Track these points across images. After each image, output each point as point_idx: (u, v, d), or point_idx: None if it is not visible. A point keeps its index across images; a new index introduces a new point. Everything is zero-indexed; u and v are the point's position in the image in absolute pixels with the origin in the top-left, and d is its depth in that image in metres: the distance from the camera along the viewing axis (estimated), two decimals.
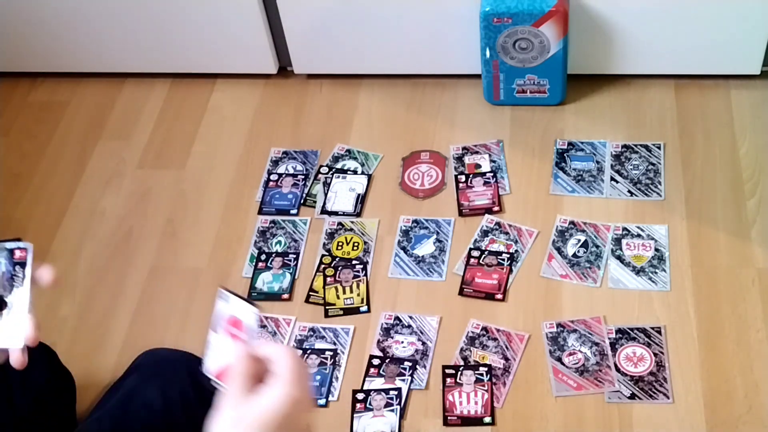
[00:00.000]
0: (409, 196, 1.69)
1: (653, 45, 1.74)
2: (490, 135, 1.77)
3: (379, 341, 1.48)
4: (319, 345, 1.49)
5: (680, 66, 1.79)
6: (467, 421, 1.37)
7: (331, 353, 1.47)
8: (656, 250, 1.54)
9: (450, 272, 1.56)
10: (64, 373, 1.28)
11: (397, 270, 1.57)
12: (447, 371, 1.42)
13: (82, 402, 1.35)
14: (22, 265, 0.84)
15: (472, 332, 1.47)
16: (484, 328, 1.47)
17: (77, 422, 1.30)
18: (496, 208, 1.64)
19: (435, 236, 1.61)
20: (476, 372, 1.42)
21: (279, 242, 1.64)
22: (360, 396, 1.41)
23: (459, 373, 1.42)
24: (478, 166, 1.71)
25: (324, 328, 1.51)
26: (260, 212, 1.69)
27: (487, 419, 1.36)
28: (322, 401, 1.42)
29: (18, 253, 0.84)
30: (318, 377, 1.44)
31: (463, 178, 1.69)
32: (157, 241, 1.68)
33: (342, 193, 1.70)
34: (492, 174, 1.69)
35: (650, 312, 1.47)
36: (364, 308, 1.53)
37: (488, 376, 1.41)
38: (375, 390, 1.41)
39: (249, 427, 0.73)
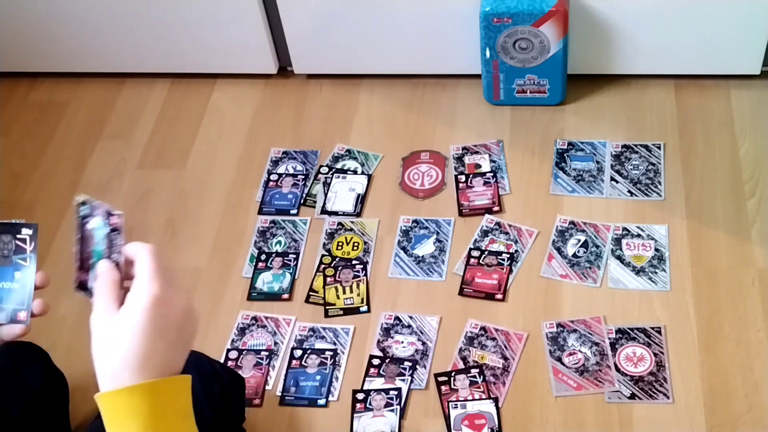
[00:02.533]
0: (409, 196, 1.69)
1: (653, 45, 1.74)
2: (490, 135, 1.77)
3: (379, 341, 1.48)
4: (319, 345, 1.49)
5: (680, 66, 1.79)
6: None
7: (331, 353, 1.47)
8: (656, 250, 1.54)
9: (450, 272, 1.56)
10: (57, 375, 1.27)
11: (397, 270, 1.57)
12: (440, 378, 1.42)
13: (82, 402, 1.34)
14: (118, 231, 0.85)
15: (471, 332, 1.47)
16: (483, 328, 1.47)
17: (70, 424, 1.30)
18: (496, 208, 1.64)
19: (435, 236, 1.61)
20: (469, 375, 1.41)
21: (279, 242, 1.64)
22: (360, 396, 1.41)
23: (452, 378, 1.41)
24: (478, 166, 1.71)
25: (324, 328, 1.51)
26: (260, 212, 1.69)
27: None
28: (322, 401, 1.42)
29: (114, 219, 0.85)
30: (318, 377, 1.44)
31: (463, 178, 1.69)
32: (157, 241, 1.68)
33: (342, 193, 1.70)
34: (492, 174, 1.69)
35: (650, 312, 1.47)
36: (364, 308, 1.53)
37: (482, 377, 1.41)
38: (375, 390, 1.41)
39: (124, 352, 0.72)
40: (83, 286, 0.82)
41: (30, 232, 0.85)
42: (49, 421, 1.21)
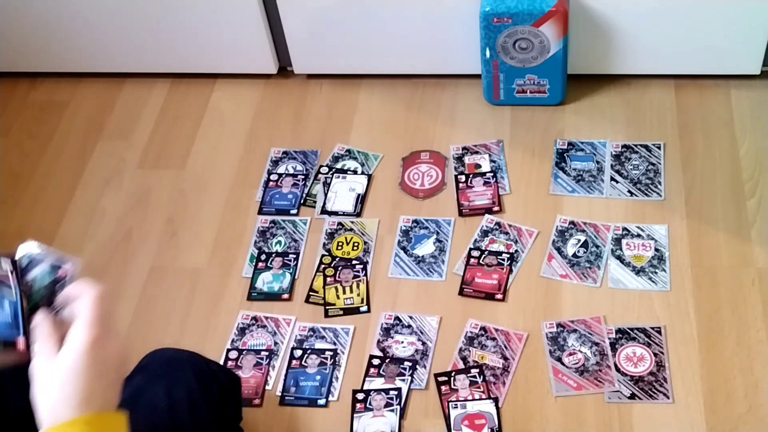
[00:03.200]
0: (409, 196, 1.69)
1: (653, 45, 1.74)
2: (490, 135, 1.77)
3: (379, 341, 1.48)
4: (319, 345, 1.49)
5: (680, 66, 1.79)
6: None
7: (331, 353, 1.47)
8: (656, 250, 1.54)
9: (450, 272, 1.56)
10: None
11: (397, 270, 1.57)
12: (440, 378, 1.42)
13: None
14: (64, 281, 0.83)
15: (471, 332, 1.47)
16: (483, 328, 1.47)
17: None
18: (496, 208, 1.64)
19: (435, 236, 1.61)
20: (469, 375, 1.41)
21: (279, 242, 1.64)
22: (360, 396, 1.41)
23: (452, 378, 1.42)
24: (478, 166, 1.72)
25: (324, 328, 1.51)
26: (260, 212, 1.69)
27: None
28: (322, 401, 1.42)
29: (66, 268, 0.84)
30: (318, 377, 1.44)
31: (463, 178, 1.69)
32: (157, 241, 1.68)
33: (342, 193, 1.70)
34: (492, 174, 1.69)
35: (650, 312, 1.47)
36: (364, 308, 1.53)
37: (482, 377, 1.41)
38: (375, 390, 1.41)
39: (64, 390, 0.75)
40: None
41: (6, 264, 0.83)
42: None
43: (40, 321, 0.80)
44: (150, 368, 1.16)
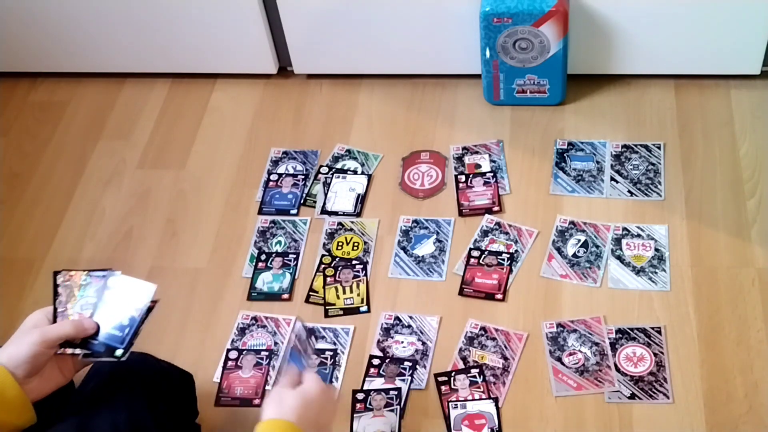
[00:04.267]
0: (409, 196, 1.69)
1: (653, 45, 1.74)
2: (490, 135, 1.77)
3: (379, 341, 1.48)
4: (320, 345, 1.49)
5: (680, 66, 1.79)
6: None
7: (331, 353, 1.47)
8: (656, 250, 1.54)
9: (450, 272, 1.56)
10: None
11: (397, 270, 1.57)
12: (440, 378, 1.42)
13: None
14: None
15: (471, 332, 1.47)
16: (483, 328, 1.47)
17: None
18: (496, 208, 1.64)
19: (435, 236, 1.61)
20: (469, 375, 1.41)
21: (279, 242, 1.64)
22: (360, 396, 1.41)
23: (452, 378, 1.42)
24: (478, 166, 1.72)
25: (324, 328, 1.51)
26: (260, 212, 1.69)
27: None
28: None
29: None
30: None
31: (463, 178, 1.69)
32: (157, 241, 1.68)
33: (342, 193, 1.70)
34: (492, 174, 1.69)
35: (650, 312, 1.47)
36: (364, 308, 1.53)
37: (482, 377, 1.41)
38: (375, 390, 1.41)
39: (289, 405, 1.05)
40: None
41: (151, 289, 1.12)
42: (53, 419, 1.21)
43: (292, 369, 1.13)
44: (97, 379, 1.16)
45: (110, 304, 1.08)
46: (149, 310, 1.10)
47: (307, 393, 1.08)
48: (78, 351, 1.05)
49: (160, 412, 1.15)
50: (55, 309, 1.07)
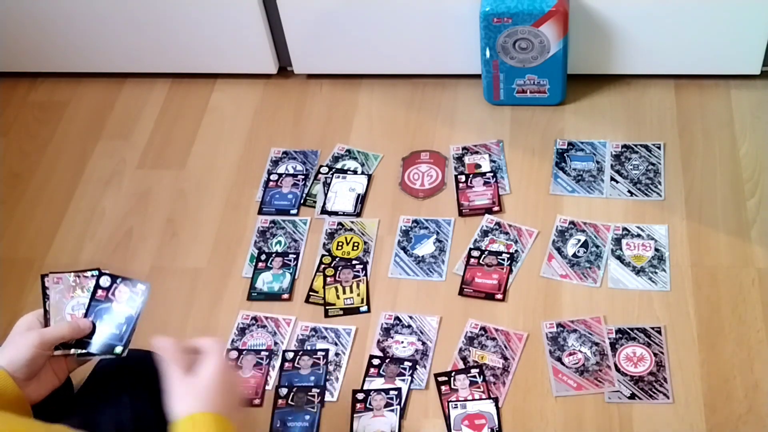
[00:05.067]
0: (409, 196, 1.69)
1: (653, 45, 1.74)
2: (490, 135, 1.77)
3: (379, 341, 1.48)
4: (321, 345, 1.49)
5: (680, 66, 1.79)
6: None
7: (323, 354, 1.47)
8: (656, 250, 1.54)
9: (450, 272, 1.56)
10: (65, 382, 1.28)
11: (397, 270, 1.57)
12: (440, 378, 1.42)
13: None
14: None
15: (471, 332, 1.47)
16: (483, 328, 1.47)
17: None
18: (496, 208, 1.64)
19: (435, 236, 1.61)
20: (469, 375, 1.41)
21: (279, 242, 1.64)
22: (360, 396, 1.41)
23: (452, 378, 1.41)
24: (478, 166, 1.71)
25: (326, 329, 1.51)
26: (260, 212, 1.69)
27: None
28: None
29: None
30: (312, 378, 1.44)
31: (463, 178, 1.69)
32: (157, 241, 1.68)
33: (342, 193, 1.70)
34: (492, 174, 1.69)
35: (650, 312, 1.47)
36: (364, 308, 1.53)
37: (482, 377, 1.41)
38: (375, 390, 1.41)
39: (202, 394, 0.95)
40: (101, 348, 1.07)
41: (144, 287, 1.08)
42: (52, 421, 1.21)
43: (168, 345, 1.00)
44: (100, 378, 1.16)
45: (105, 304, 1.08)
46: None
47: (213, 374, 0.98)
48: (75, 351, 1.06)
49: (164, 410, 1.15)
50: (46, 312, 1.07)
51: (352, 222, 1.65)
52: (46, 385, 1.04)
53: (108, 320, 1.07)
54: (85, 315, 1.07)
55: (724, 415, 1.34)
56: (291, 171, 1.76)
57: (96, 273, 1.09)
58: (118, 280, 1.09)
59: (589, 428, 1.35)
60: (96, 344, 1.06)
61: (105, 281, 1.09)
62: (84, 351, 1.06)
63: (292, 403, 1.41)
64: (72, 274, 1.09)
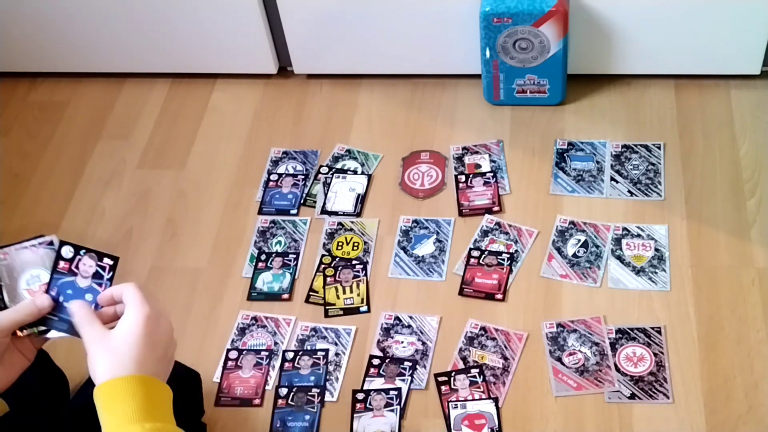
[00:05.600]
0: (409, 196, 1.69)
1: (653, 45, 1.74)
2: (490, 135, 1.77)
3: (379, 341, 1.48)
4: (321, 345, 1.49)
5: (680, 66, 1.79)
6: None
7: (323, 354, 1.47)
8: (656, 250, 1.54)
9: (450, 272, 1.56)
10: (57, 374, 1.27)
11: (397, 270, 1.57)
12: (440, 378, 1.42)
13: None
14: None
15: (471, 332, 1.47)
16: (483, 328, 1.47)
17: (70, 423, 1.30)
18: (496, 208, 1.64)
19: (435, 236, 1.61)
20: (469, 375, 1.41)
21: (279, 242, 1.64)
22: (360, 396, 1.41)
23: (452, 378, 1.41)
24: (478, 166, 1.72)
25: (326, 329, 1.51)
26: (260, 212, 1.69)
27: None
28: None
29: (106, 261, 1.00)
30: (312, 378, 1.44)
31: (463, 178, 1.69)
32: (157, 241, 1.68)
33: (342, 193, 1.70)
34: (492, 174, 1.69)
35: (650, 312, 1.47)
36: (364, 308, 1.53)
37: (482, 377, 1.41)
38: (375, 390, 1.41)
39: (121, 354, 0.87)
40: (56, 325, 0.96)
41: (111, 262, 0.98)
42: (47, 421, 1.21)
43: (81, 306, 0.92)
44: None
45: (68, 277, 0.98)
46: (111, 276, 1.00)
47: (132, 327, 0.89)
48: (36, 329, 0.97)
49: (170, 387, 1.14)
50: (0, 292, 0.99)
51: (352, 222, 1.65)
52: (15, 368, 0.99)
53: (72, 296, 0.97)
54: (47, 290, 0.97)
55: (724, 415, 1.34)
56: (291, 171, 1.76)
57: (49, 240, 0.99)
58: (82, 252, 0.98)
59: (589, 428, 1.35)
60: (58, 321, 0.96)
61: (67, 252, 0.98)
62: (44, 328, 0.97)
63: (292, 403, 1.41)
64: (18, 245, 0.99)
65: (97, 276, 0.98)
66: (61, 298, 0.97)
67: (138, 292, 0.91)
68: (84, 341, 0.90)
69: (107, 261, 0.98)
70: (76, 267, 0.98)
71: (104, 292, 0.95)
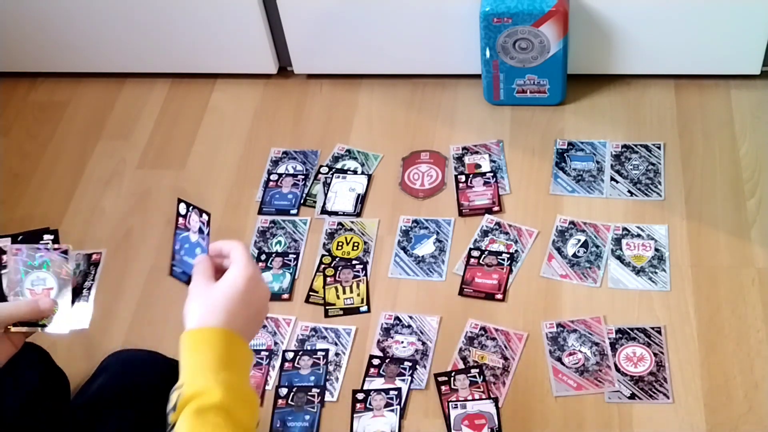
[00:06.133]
0: (409, 196, 1.69)
1: (653, 45, 1.74)
2: (490, 135, 1.77)
3: (379, 341, 1.48)
4: (321, 345, 1.49)
5: (680, 66, 1.79)
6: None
7: (323, 354, 1.47)
8: (656, 250, 1.54)
9: (450, 272, 1.56)
10: (57, 374, 1.28)
11: (397, 270, 1.57)
12: (440, 378, 1.42)
13: None
14: (96, 265, 1.08)
15: (471, 332, 1.47)
16: (483, 328, 1.47)
17: (71, 424, 1.30)
18: (496, 208, 1.64)
19: (435, 236, 1.61)
20: (469, 375, 1.41)
21: (279, 242, 1.64)
22: (360, 396, 1.41)
23: (452, 378, 1.41)
24: (478, 166, 1.72)
25: (326, 329, 1.51)
26: (260, 212, 1.69)
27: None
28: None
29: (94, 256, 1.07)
30: (312, 378, 1.44)
31: (463, 178, 1.69)
32: (157, 241, 1.68)
33: (342, 193, 1.70)
34: (492, 174, 1.69)
35: (650, 312, 1.47)
36: (364, 308, 1.53)
37: (482, 377, 1.41)
38: (375, 390, 1.41)
39: (215, 305, 0.90)
40: (177, 274, 1.03)
41: (207, 218, 1.01)
42: (48, 421, 1.21)
43: (203, 259, 0.97)
44: (111, 369, 1.16)
45: (184, 232, 1.03)
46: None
47: (233, 284, 0.92)
48: (33, 329, 1.01)
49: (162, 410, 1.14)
50: None
51: (352, 222, 1.65)
52: (2, 355, 1.00)
53: (189, 249, 1.01)
54: (173, 243, 1.02)
55: (724, 415, 1.34)
56: (291, 171, 1.76)
57: (65, 248, 1.03)
58: (190, 208, 1.02)
59: (589, 428, 1.35)
60: (183, 274, 1.01)
61: (182, 208, 1.03)
62: (43, 325, 1.01)
63: (292, 403, 1.41)
64: (32, 245, 1.03)
65: (200, 231, 1.02)
66: (182, 252, 1.02)
67: (246, 251, 0.94)
68: (189, 288, 0.94)
69: (204, 217, 1.01)
70: (188, 222, 1.03)
71: (213, 245, 0.98)
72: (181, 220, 1.03)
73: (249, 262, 0.94)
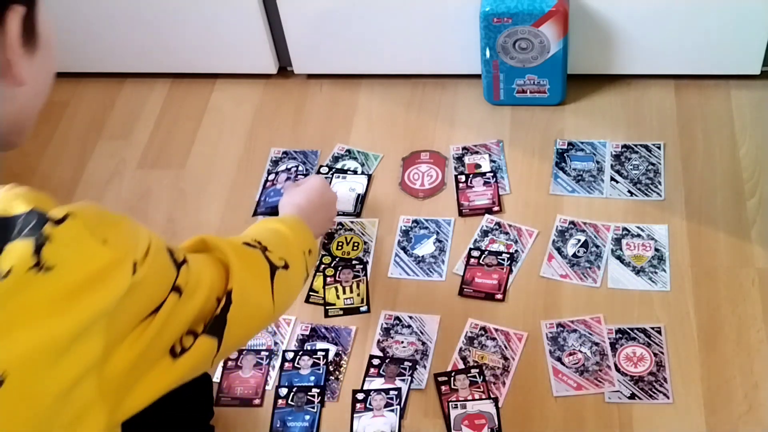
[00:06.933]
0: (409, 196, 1.69)
1: (653, 45, 1.74)
2: (490, 135, 1.77)
3: (379, 341, 1.48)
4: (321, 345, 1.49)
5: (680, 66, 1.79)
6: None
7: (323, 354, 1.47)
8: (656, 250, 1.54)
9: (450, 272, 1.56)
10: None
11: (397, 270, 1.57)
12: (440, 378, 1.42)
13: None
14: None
15: (471, 332, 1.47)
16: (483, 328, 1.47)
17: None
18: (496, 208, 1.64)
19: (435, 236, 1.61)
20: (469, 375, 1.41)
21: None
22: (360, 396, 1.41)
23: (452, 378, 1.41)
24: (478, 166, 1.72)
25: (326, 329, 1.51)
26: (255, 214, 1.69)
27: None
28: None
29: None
30: (312, 378, 1.44)
31: (463, 178, 1.69)
32: None
33: (342, 193, 1.70)
34: (492, 174, 1.69)
35: (650, 312, 1.47)
36: (364, 308, 1.53)
37: (482, 377, 1.41)
38: (375, 390, 1.41)
39: (296, 193, 1.40)
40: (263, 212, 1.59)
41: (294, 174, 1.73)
42: None
43: (288, 185, 1.52)
44: None
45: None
46: None
47: (310, 184, 1.42)
48: None
49: (176, 412, 1.14)
50: None
51: (352, 222, 1.65)
52: None
53: (273, 196, 1.60)
54: (260, 196, 1.70)
55: (724, 415, 1.34)
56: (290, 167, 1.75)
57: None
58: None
59: (589, 428, 1.35)
60: (269, 208, 1.61)
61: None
62: None
63: (292, 403, 1.41)
64: None
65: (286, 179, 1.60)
66: (265, 197, 1.58)
67: (317, 175, 1.50)
68: (284, 193, 1.46)
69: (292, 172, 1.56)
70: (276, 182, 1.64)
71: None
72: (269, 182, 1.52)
73: (321, 176, 1.46)
